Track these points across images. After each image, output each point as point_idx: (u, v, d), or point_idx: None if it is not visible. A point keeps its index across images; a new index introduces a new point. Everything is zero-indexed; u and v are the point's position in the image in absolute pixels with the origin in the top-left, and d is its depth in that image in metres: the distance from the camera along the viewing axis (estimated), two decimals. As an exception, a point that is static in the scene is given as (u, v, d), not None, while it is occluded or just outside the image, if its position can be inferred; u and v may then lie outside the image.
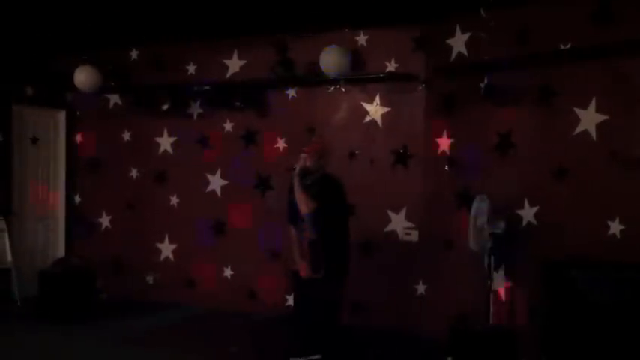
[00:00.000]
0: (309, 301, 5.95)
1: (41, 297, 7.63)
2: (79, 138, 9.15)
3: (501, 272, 6.32)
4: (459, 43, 6.80)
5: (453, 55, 6.84)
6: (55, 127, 9.08)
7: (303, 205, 5.69)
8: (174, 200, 8.57)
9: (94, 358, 6.21)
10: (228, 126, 8.21)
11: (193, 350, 6.40)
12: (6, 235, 8.13)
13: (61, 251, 9.00)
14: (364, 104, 7.48)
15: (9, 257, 8.08)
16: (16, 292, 8.03)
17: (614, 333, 4.89)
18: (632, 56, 5.64)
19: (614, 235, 5.69)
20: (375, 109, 7.43)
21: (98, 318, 7.55)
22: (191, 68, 8.36)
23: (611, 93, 5.79)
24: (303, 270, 5.84)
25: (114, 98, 8.88)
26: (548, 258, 5.63)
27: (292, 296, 6.32)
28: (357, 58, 7.29)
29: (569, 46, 5.99)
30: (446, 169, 6.91)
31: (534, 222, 6.23)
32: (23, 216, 8.66)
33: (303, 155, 5.85)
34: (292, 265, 6.08)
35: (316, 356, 6.01)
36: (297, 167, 5.79)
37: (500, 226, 5.90)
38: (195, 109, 8.43)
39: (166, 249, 8.64)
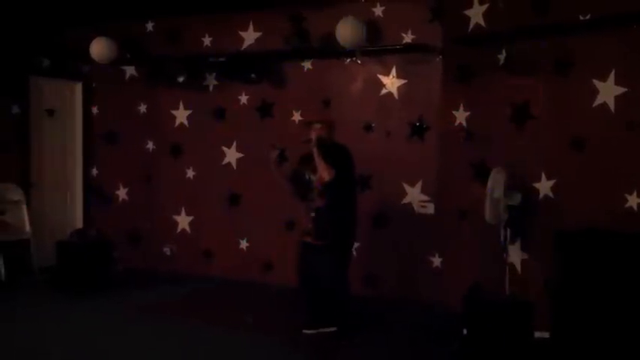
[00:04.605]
0: (312, 271, 6.03)
1: (59, 267, 7.71)
2: (95, 110, 9.18)
3: (517, 245, 6.31)
4: (476, 13, 6.73)
5: (471, 25, 6.77)
6: (71, 99, 9.11)
7: (325, 172, 5.79)
8: (190, 173, 8.60)
9: (110, 327, 6.26)
10: (243, 98, 8.20)
11: (210, 320, 6.45)
12: (24, 206, 8.20)
13: (78, 223, 9.08)
14: (380, 76, 7.43)
15: (27, 228, 8.16)
16: (35, 263, 8.12)
17: (629, 305, 4.86)
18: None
19: (631, 208, 5.64)
20: (391, 82, 7.38)
21: (115, 289, 7.63)
22: (206, 40, 8.33)
23: (631, 65, 5.69)
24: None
25: (130, 70, 8.88)
26: (561, 229, 5.59)
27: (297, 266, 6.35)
28: (373, 29, 7.23)
29: (588, 17, 5.90)
30: (463, 135, 6.83)
31: (551, 195, 6.20)
32: (41, 187, 8.72)
33: (317, 125, 6.04)
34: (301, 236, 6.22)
35: (331, 329, 6.06)
36: (314, 137, 5.93)
37: (517, 199, 5.86)
38: (211, 82, 8.42)
39: (183, 221, 8.68)
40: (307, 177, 6.12)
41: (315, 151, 5.87)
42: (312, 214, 6.02)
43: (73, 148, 9.14)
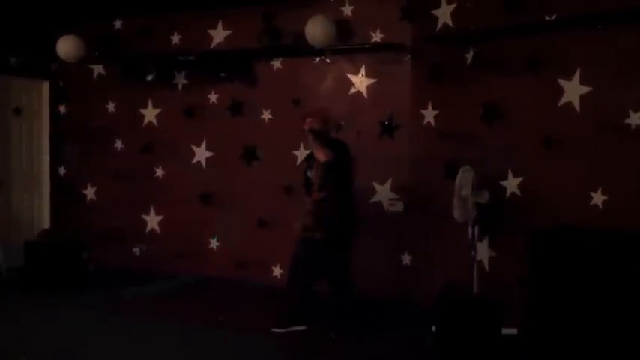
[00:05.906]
0: (321, 268, 6.05)
1: (27, 268, 7.63)
2: (62, 109, 9.09)
3: (485, 243, 6.39)
4: (444, 13, 6.78)
5: (439, 25, 6.82)
6: (38, 98, 9.01)
7: (322, 154, 5.88)
8: (159, 172, 8.55)
9: (81, 326, 6.22)
10: (213, 97, 8.18)
11: (181, 318, 6.45)
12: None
13: (46, 222, 8.99)
14: (349, 75, 7.45)
15: (-7, 228, 8.07)
16: (2, 263, 8.02)
17: (598, 300, 4.94)
18: (618, 27, 5.62)
19: (596, 205, 5.74)
20: (360, 80, 7.40)
21: (85, 288, 7.56)
22: (175, 38, 8.30)
23: (596, 64, 5.79)
24: (298, 229, 6.04)
25: (98, 69, 8.81)
26: (535, 227, 5.65)
27: (296, 263, 6.26)
28: (343, 28, 7.23)
29: (554, 17, 5.98)
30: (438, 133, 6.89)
31: (518, 193, 6.27)
32: (8, 187, 8.61)
33: (308, 119, 6.10)
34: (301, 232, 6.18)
35: (300, 327, 6.07)
36: (307, 129, 6.04)
37: (485, 197, 5.92)
38: (180, 80, 8.38)
39: (152, 221, 8.64)
40: (307, 174, 6.17)
41: (310, 138, 5.98)
42: (309, 208, 6.04)
43: (40, 148, 9.04)
